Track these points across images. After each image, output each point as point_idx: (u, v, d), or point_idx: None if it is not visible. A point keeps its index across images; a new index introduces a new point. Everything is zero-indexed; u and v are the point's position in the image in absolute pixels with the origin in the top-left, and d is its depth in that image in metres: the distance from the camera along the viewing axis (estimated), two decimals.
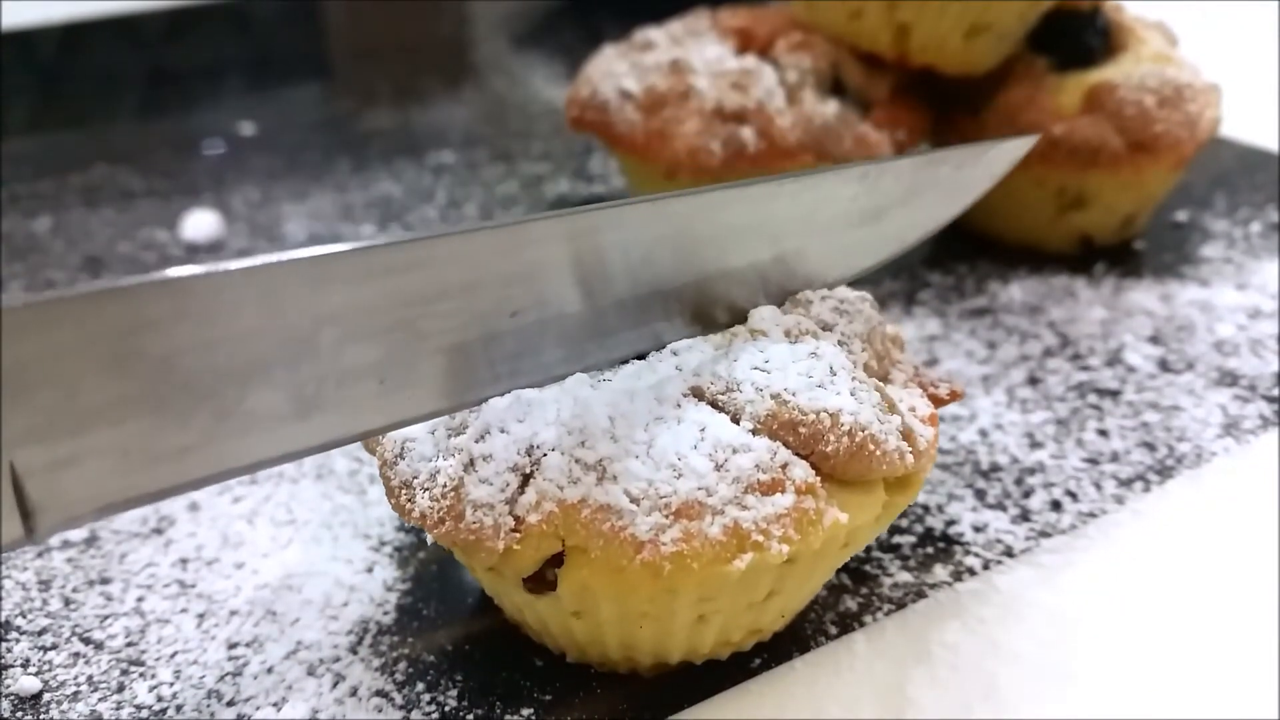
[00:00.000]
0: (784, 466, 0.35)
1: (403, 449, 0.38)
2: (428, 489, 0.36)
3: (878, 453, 0.36)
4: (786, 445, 0.36)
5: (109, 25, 1.24)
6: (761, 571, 0.35)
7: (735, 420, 0.36)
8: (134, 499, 0.29)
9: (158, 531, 0.48)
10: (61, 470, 0.27)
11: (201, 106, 1.03)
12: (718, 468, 0.35)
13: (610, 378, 0.37)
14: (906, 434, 0.37)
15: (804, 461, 0.36)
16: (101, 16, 1.24)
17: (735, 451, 0.35)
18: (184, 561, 0.46)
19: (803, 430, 0.35)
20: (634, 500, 0.34)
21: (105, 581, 0.45)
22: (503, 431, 0.36)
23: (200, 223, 0.76)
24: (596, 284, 0.36)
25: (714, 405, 0.36)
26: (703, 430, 0.35)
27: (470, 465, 0.35)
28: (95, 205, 0.82)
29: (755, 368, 0.37)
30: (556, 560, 0.35)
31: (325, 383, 0.31)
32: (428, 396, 0.34)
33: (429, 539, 0.38)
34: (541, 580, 0.36)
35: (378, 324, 0.32)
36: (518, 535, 0.34)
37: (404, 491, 0.37)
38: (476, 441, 0.36)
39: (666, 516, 0.34)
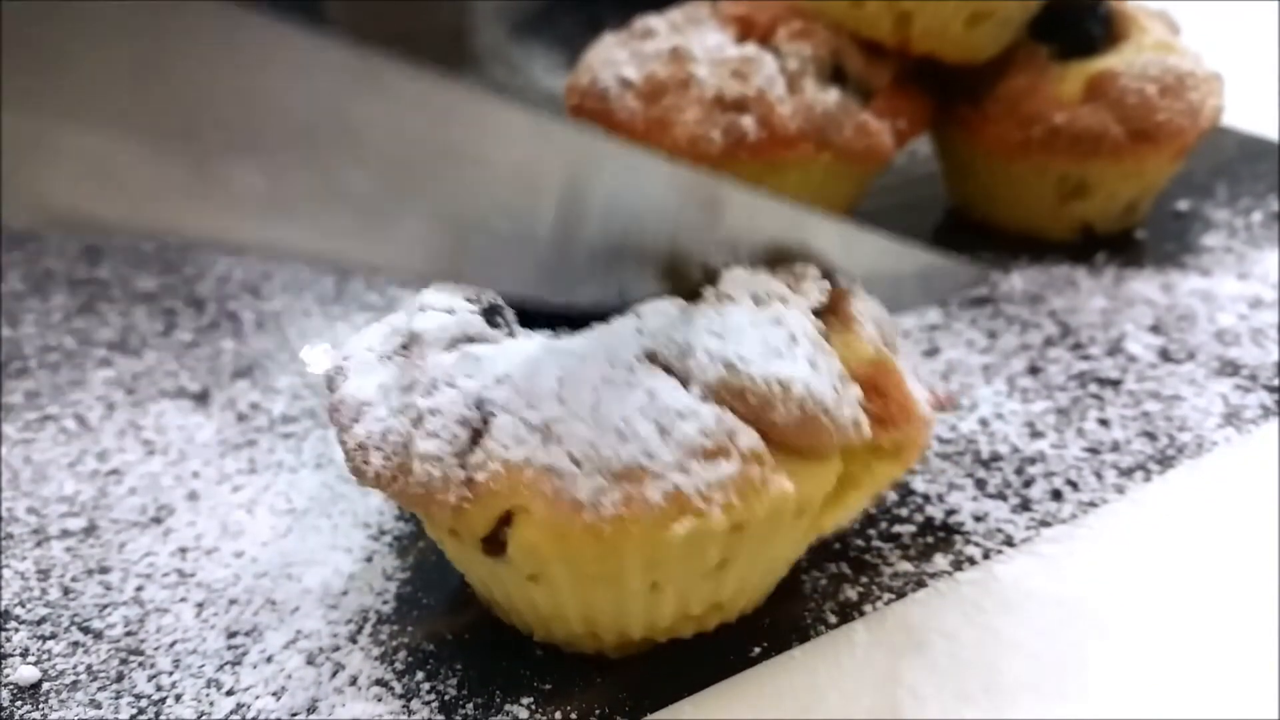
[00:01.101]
0: (731, 434, 0.35)
1: (358, 412, 0.38)
2: (380, 448, 0.36)
3: (829, 424, 0.35)
4: (735, 413, 0.35)
5: None
6: (706, 538, 0.35)
7: (686, 385, 0.36)
8: (81, 223, 0.25)
9: (156, 520, 0.48)
10: (38, 154, 0.24)
11: None
12: (662, 433, 0.34)
13: (564, 340, 0.37)
14: (903, 400, 0.37)
15: (753, 430, 0.35)
16: None
17: (681, 417, 0.34)
18: (183, 550, 0.46)
19: (751, 399, 0.35)
20: (576, 463, 0.34)
21: (104, 571, 0.45)
22: (450, 386, 0.35)
23: None
24: (592, 225, 0.35)
25: (667, 370, 0.36)
26: (651, 395, 0.35)
27: (418, 421, 0.35)
28: None
29: (711, 333, 0.36)
30: (508, 520, 0.35)
31: (309, 196, 0.28)
32: (395, 255, 0.30)
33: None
34: (495, 541, 0.35)
35: (389, 156, 0.28)
36: (468, 494, 0.34)
37: (359, 454, 0.37)
38: (423, 397, 0.35)
39: (608, 480, 0.33)
